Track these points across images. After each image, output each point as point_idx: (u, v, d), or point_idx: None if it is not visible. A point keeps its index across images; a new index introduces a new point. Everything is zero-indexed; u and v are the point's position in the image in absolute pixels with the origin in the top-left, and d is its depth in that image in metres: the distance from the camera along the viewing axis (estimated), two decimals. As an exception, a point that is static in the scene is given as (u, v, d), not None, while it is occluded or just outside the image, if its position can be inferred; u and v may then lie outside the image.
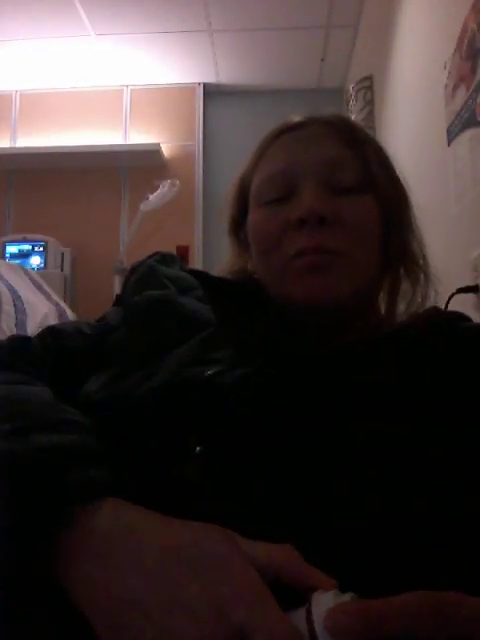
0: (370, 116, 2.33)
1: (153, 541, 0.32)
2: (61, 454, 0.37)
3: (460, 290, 1.18)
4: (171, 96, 3.19)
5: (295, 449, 0.42)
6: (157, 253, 0.69)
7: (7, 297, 1.85)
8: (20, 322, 1.82)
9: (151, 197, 2.70)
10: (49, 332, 0.60)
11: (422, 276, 0.59)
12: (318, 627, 0.27)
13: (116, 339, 0.58)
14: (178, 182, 2.71)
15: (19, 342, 0.58)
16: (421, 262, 0.60)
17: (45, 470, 0.35)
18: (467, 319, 0.60)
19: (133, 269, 0.67)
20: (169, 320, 0.55)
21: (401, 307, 0.59)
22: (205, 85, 3.20)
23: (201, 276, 0.62)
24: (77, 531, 0.33)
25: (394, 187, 0.59)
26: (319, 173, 0.55)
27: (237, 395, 0.44)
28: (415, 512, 0.38)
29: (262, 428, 0.43)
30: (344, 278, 0.53)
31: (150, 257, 0.68)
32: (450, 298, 1.15)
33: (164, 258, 0.68)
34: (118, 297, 0.67)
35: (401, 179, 0.61)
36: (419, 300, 0.59)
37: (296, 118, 0.60)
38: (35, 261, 2.78)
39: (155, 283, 0.61)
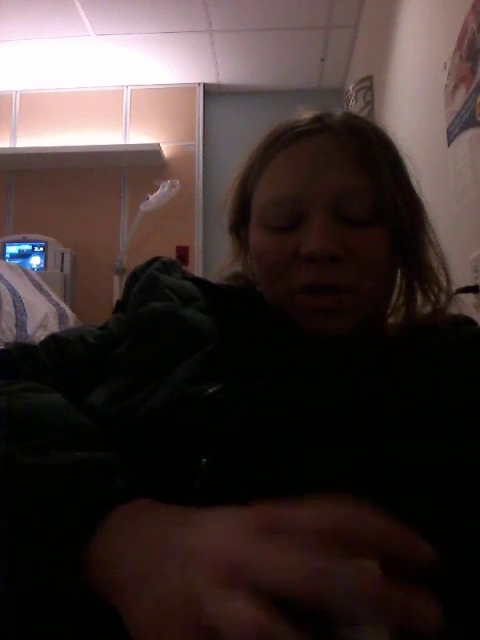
0: (370, 116, 2.33)
1: (178, 520, 0.35)
2: (89, 468, 0.39)
3: (460, 290, 1.18)
4: (171, 96, 3.19)
5: (304, 458, 0.42)
6: (157, 259, 0.68)
7: (7, 297, 1.85)
8: (20, 322, 1.82)
9: (151, 197, 2.70)
10: (52, 340, 0.60)
11: (443, 297, 0.57)
12: None
13: (120, 351, 0.57)
14: (178, 182, 2.71)
15: (24, 349, 0.58)
16: (442, 280, 0.57)
17: (76, 484, 0.38)
18: (473, 323, 0.60)
19: (133, 275, 0.66)
20: (173, 334, 0.55)
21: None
22: (205, 85, 3.20)
23: (202, 285, 0.62)
24: (110, 533, 0.35)
25: (409, 207, 0.56)
26: (330, 203, 0.52)
27: (241, 409, 0.44)
28: (433, 521, 0.38)
29: (268, 438, 0.43)
30: (351, 313, 0.52)
31: (150, 263, 0.67)
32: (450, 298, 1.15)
33: (165, 265, 0.67)
34: (119, 303, 0.67)
35: (414, 186, 0.58)
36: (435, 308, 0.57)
37: (304, 120, 0.56)
38: (35, 261, 2.78)
39: (158, 294, 0.60)
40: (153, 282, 0.62)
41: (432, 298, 0.57)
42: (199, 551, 0.30)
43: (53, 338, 0.60)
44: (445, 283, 0.57)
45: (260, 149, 0.58)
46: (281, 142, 0.56)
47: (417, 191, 0.58)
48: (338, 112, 0.58)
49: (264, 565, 0.27)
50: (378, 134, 0.57)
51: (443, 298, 0.57)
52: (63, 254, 2.88)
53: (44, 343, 0.59)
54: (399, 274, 0.58)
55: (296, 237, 0.53)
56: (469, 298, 1.19)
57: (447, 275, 0.57)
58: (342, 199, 0.52)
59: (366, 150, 0.54)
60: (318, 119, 0.56)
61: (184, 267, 0.71)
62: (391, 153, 0.57)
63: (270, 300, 0.56)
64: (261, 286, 0.58)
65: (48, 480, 0.38)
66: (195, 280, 0.64)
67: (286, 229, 0.54)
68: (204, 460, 0.42)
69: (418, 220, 0.57)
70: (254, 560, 0.28)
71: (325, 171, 0.53)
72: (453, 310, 0.59)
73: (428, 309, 0.57)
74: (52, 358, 0.57)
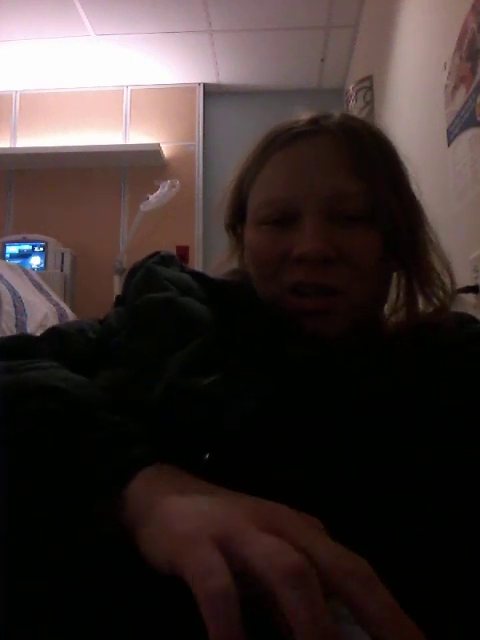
0: (370, 116, 2.33)
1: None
2: (123, 438, 0.42)
3: (460, 290, 1.18)
4: (171, 96, 3.19)
5: (304, 458, 0.42)
6: (156, 253, 0.69)
7: (7, 297, 1.85)
8: (20, 322, 1.82)
9: (151, 197, 2.70)
10: (54, 333, 0.60)
11: (446, 298, 0.56)
12: None
13: (118, 341, 0.57)
14: (178, 182, 2.71)
15: (26, 339, 0.59)
16: (447, 282, 0.56)
17: (110, 449, 0.41)
18: (477, 322, 0.59)
19: (133, 270, 0.67)
20: (171, 324, 0.55)
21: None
22: (205, 85, 3.20)
23: (200, 278, 0.62)
24: (141, 482, 0.39)
25: (406, 210, 0.55)
26: (323, 206, 0.52)
27: (241, 406, 0.44)
28: (433, 522, 0.38)
29: (268, 437, 0.43)
30: (342, 315, 0.53)
31: (149, 258, 0.67)
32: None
33: (163, 259, 0.67)
34: (119, 298, 0.67)
35: (414, 190, 0.58)
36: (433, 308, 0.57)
37: (301, 121, 0.56)
38: (35, 261, 2.78)
39: (156, 285, 0.60)
40: (151, 274, 0.62)
41: (435, 302, 0.56)
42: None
43: (54, 331, 0.60)
44: (449, 285, 0.57)
45: (257, 150, 0.58)
46: (277, 143, 0.56)
47: (416, 193, 0.58)
48: (336, 114, 0.58)
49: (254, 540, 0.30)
50: (375, 136, 0.57)
51: (446, 299, 0.57)
52: (63, 254, 2.88)
53: (45, 336, 0.60)
54: (400, 276, 0.58)
55: (289, 238, 0.53)
56: (469, 298, 1.19)
57: (451, 277, 0.57)
58: (335, 202, 0.52)
59: (362, 153, 0.54)
60: (315, 121, 0.56)
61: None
62: (388, 156, 0.57)
63: (264, 298, 0.57)
64: (255, 284, 0.59)
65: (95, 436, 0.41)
66: (193, 273, 0.64)
67: (279, 230, 0.54)
68: (207, 455, 0.42)
69: (416, 222, 0.57)
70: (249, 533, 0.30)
71: (319, 174, 0.53)
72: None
73: (430, 309, 0.57)
74: (53, 351, 0.57)
